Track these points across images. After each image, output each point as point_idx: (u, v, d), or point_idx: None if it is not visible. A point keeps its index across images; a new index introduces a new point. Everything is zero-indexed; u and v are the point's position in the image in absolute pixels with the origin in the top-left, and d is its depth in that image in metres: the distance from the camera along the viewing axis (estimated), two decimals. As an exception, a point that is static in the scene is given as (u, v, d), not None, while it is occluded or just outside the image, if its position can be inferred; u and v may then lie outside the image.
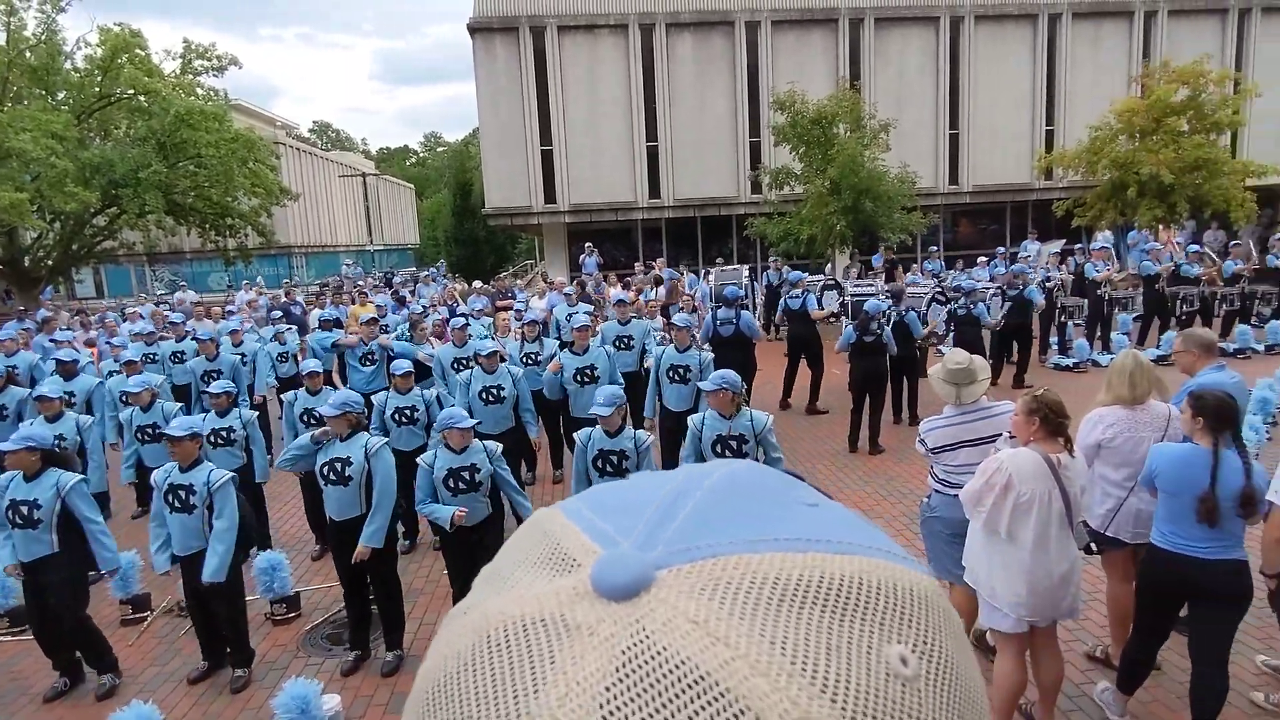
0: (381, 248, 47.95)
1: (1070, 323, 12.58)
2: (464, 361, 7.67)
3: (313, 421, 6.35)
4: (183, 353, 9.54)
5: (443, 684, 0.31)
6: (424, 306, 12.26)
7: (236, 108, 29.37)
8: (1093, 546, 4.40)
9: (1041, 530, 3.52)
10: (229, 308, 15.49)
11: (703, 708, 0.26)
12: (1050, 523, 3.52)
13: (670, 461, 7.12)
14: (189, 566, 4.81)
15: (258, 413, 7.11)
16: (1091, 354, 12.06)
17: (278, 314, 12.78)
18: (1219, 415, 3.51)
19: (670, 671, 0.27)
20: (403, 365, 6.75)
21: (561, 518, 0.36)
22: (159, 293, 27.85)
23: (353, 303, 13.99)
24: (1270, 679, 4.19)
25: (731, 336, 8.60)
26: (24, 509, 4.65)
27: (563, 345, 8.36)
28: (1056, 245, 18.47)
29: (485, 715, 0.29)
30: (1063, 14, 23.35)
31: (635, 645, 0.28)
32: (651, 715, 0.27)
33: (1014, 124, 23.58)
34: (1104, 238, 18.21)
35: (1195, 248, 13.75)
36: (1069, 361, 12.12)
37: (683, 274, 16.71)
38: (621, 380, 7.54)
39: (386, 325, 11.55)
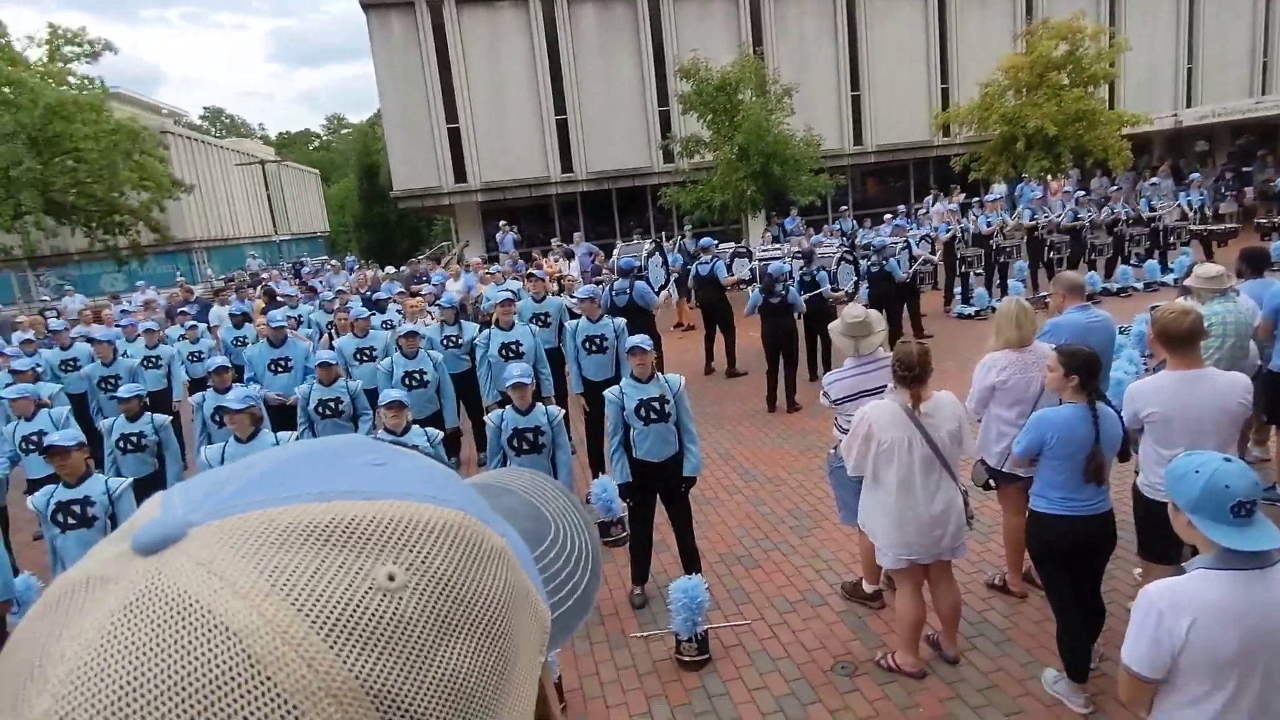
0: (289, 237, 46.10)
1: (972, 273, 13.21)
2: (367, 352, 7.59)
3: (222, 422, 6.16)
4: (75, 360, 9.04)
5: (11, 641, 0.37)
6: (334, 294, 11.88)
7: (116, 96, 27.56)
8: (990, 483, 4.70)
9: (905, 474, 3.75)
10: (120, 309, 14.64)
11: (186, 627, 0.32)
12: (913, 467, 3.75)
13: (595, 432, 7.21)
14: None
15: (171, 417, 6.79)
16: (991, 301, 12.71)
17: (189, 309, 12.20)
18: (1090, 370, 3.54)
19: (167, 603, 0.33)
20: (324, 355, 6.63)
21: (157, 496, 0.41)
22: (44, 298, 26.09)
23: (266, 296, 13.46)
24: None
25: (626, 306, 8.74)
26: None
27: (484, 325, 8.32)
28: (956, 200, 19.33)
29: (17, 660, 0.35)
30: (951, -26, 24.12)
31: (146, 587, 0.34)
32: (143, 637, 0.32)
33: (911, 83, 24.31)
34: (997, 190, 19.14)
35: (1081, 193, 14.64)
36: (970, 310, 12.76)
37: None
38: (546, 360, 7.56)
39: (300, 318, 11.20)
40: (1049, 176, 17.98)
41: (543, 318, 8.30)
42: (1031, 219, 13.53)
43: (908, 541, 3.82)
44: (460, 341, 8.05)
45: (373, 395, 6.64)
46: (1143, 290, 12.95)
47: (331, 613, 0.34)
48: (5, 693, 0.34)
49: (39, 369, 8.38)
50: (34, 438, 6.46)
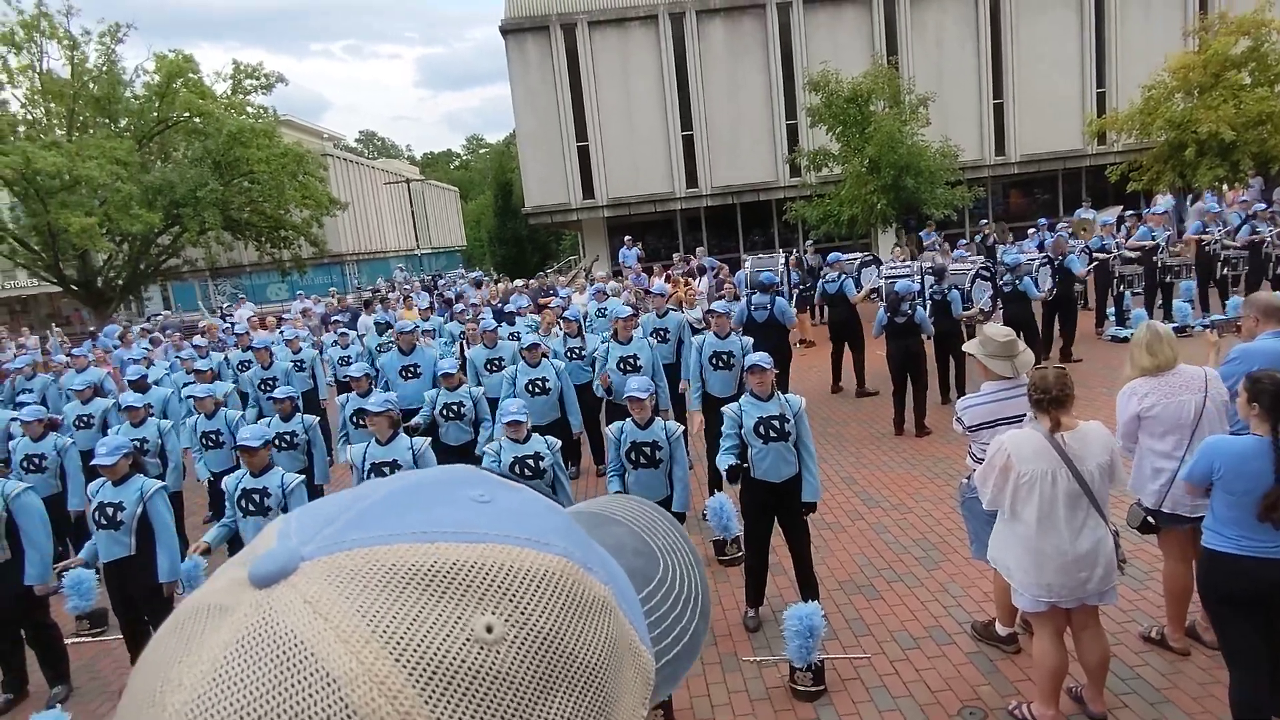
0: (430, 251, 48.83)
1: (1129, 292, 12.13)
2: (496, 363, 7.87)
3: (363, 423, 6.58)
4: (249, 362, 9.95)
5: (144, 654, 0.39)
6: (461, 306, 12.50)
7: (285, 123, 30.24)
8: (1150, 521, 4.22)
9: (1046, 509, 3.46)
10: (284, 315, 16.04)
11: (290, 668, 0.33)
12: (1056, 502, 3.45)
13: (714, 448, 7.14)
14: None
15: (319, 417, 7.33)
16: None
17: (340, 318, 13.21)
18: (1275, 400, 3.18)
19: (275, 641, 0.33)
20: (447, 364, 6.98)
21: (277, 523, 0.42)
22: (222, 305, 28.96)
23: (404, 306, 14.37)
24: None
25: (765, 321, 8.60)
26: (109, 510, 4.90)
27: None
28: (1112, 213, 17.83)
29: (146, 678, 0.36)
30: (1111, -30, 22.43)
31: (258, 621, 0.34)
32: (251, 675, 0.33)
33: (1062, 88, 22.74)
34: (1165, 202, 17.48)
35: (1261, 206, 13.06)
36: (1126, 333, 11.68)
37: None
38: (663, 374, 7.58)
39: (433, 331, 11.83)
40: (1224, 186, 16.27)
41: (662, 333, 8.35)
42: (1203, 231, 12.21)
43: (1048, 583, 3.51)
44: (583, 353, 8.25)
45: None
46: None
47: (428, 664, 0.34)
48: (132, 712, 0.36)
49: (214, 370, 9.27)
50: (212, 435, 7.12)
